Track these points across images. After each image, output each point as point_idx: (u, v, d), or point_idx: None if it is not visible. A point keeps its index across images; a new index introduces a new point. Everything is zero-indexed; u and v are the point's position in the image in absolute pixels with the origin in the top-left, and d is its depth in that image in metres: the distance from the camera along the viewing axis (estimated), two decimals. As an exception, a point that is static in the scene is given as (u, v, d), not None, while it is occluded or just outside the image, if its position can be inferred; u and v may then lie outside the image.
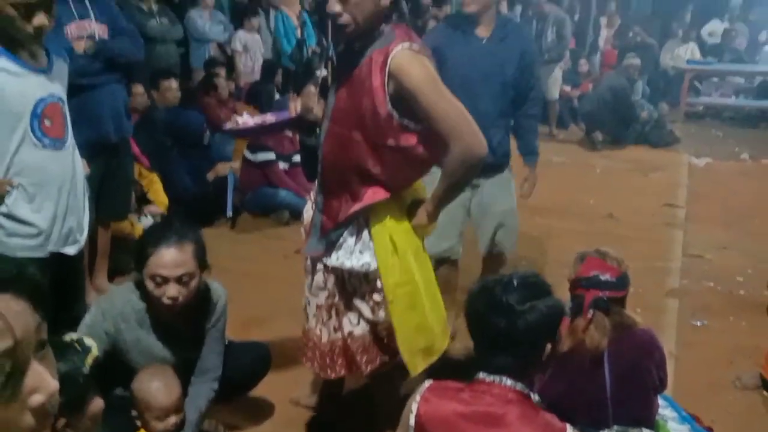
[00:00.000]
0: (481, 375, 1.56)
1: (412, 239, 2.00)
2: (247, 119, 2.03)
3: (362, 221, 1.96)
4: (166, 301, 1.97)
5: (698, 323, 3.39)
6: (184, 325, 2.12)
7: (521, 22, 8.02)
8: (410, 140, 1.84)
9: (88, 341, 1.68)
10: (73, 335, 1.71)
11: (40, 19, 1.97)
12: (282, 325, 3.06)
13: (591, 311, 1.99)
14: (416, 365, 2.04)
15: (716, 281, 3.86)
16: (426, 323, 2.03)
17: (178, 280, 1.97)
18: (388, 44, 1.80)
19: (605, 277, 2.02)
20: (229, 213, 4.59)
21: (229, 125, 2.05)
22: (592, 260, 2.07)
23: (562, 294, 3.13)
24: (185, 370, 2.15)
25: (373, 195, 1.92)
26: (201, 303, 2.12)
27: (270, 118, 2.08)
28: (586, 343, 1.99)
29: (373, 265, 1.95)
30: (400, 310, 1.97)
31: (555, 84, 7.77)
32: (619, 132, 7.59)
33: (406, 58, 1.76)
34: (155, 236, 2.00)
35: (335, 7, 1.79)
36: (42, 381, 0.73)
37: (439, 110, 1.77)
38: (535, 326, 1.53)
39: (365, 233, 1.96)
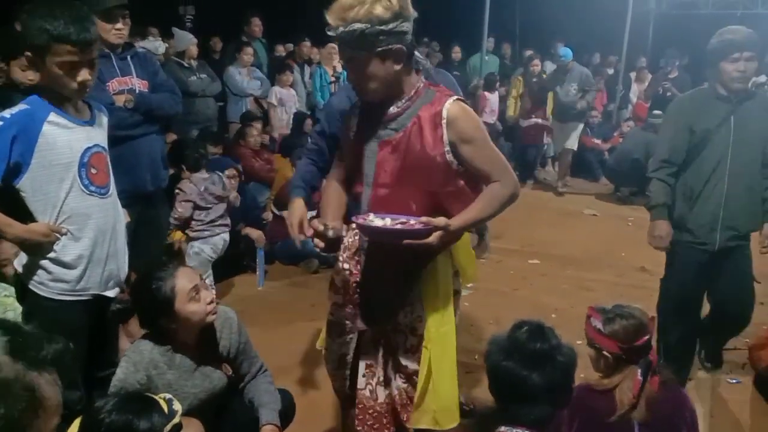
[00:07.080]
0: (503, 428, 1.55)
1: (450, 288, 2.08)
2: (385, 222, 1.85)
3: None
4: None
5: (734, 381, 3.29)
6: (206, 353, 2.18)
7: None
8: (460, 182, 1.95)
9: (176, 405, 1.66)
10: (166, 395, 1.71)
11: (83, 75, 2.10)
12: (308, 373, 3.07)
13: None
14: (453, 416, 2.03)
15: (752, 337, 3.74)
16: (455, 373, 2.05)
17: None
18: (430, 102, 1.90)
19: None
20: (260, 286, 4.57)
21: (361, 221, 1.86)
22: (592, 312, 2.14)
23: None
24: (217, 405, 2.21)
25: None
26: (217, 328, 2.20)
27: (411, 225, 1.83)
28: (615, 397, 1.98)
29: (421, 314, 2.03)
30: (438, 353, 2.01)
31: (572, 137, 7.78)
32: (647, 185, 7.49)
33: (460, 109, 1.90)
34: None
35: (353, 77, 1.92)
36: None
37: (492, 155, 1.95)
38: (569, 366, 1.55)
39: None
